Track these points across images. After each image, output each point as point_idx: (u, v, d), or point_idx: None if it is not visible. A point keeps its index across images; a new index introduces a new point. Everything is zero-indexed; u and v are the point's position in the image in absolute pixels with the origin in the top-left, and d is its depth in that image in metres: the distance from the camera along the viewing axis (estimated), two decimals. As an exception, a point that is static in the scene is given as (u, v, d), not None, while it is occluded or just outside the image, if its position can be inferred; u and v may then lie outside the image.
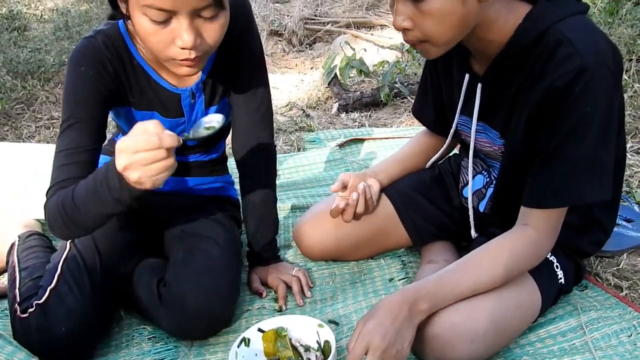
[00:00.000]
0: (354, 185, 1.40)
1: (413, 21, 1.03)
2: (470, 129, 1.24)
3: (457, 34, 1.06)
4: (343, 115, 2.82)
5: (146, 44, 1.08)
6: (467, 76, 1.21)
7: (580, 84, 0.98)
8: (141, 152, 0.90)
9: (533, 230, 1.10)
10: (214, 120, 1.04)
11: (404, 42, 1.08)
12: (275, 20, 4.55)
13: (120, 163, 0.92)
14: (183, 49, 1.03)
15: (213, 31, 1.05)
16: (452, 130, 1.33)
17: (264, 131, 1.41)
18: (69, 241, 1.30)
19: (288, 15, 4.68)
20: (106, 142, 1.53)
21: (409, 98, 2.85)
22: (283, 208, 1.83)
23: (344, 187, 1.40)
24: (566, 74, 0.98)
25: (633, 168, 1.92)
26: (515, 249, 1.11)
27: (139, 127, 0.92)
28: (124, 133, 1.43)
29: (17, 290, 1.29)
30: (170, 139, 0.90)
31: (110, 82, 1.21)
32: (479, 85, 1.17)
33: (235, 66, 1.33)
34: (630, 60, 2.62)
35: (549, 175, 1.06)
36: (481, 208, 1.33)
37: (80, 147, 1.16)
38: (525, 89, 1.08)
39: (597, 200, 1.06)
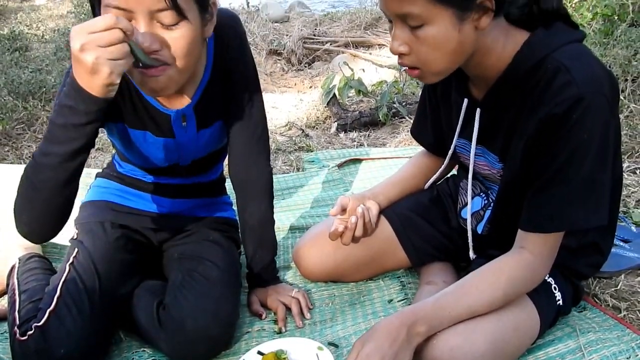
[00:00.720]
0: (353, 208, 1.41)
1: (409, 46, 1.05)
2: (469, 151, 1.25)
3: (453, 61, 1.07)
4: (342, 134, 2.84)
5: None
6: (465, 101, 1.23)
7: (577, 111, 1.00)
8: (97, 31, 0.91)
9: (530, 254, 1.11)
10: None
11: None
12: (274, 40, 4.60)
13: (75, 44, 0.91)
14: None
15: (174, 40, 1.05)
16: (450, 152, 1.34)
17: (260, 154, 1.42)
18: (69, 263, 1.31)
19: (287, 35, 4.74)
20: (106, 165, 1.55)
21: (407, 118, 2.88)
22: (282, 229, 1.84)
23: (343, 210, 1.40)
24: (564, 101, 1.00)
25: (630, 188, 1.93)
26: (512, 273, 1.11)
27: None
28: (119, 152, 1.45)
29: (16, 313, 1.29)
30: (125, 21, 0.93)
31: None
32: (478, 110, 1.19)
33: (229, 90, 1.33)
34: (626, 80, 2.65)
35: (547, 200, 1.08)
36: (479, 230, 1.34)
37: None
38: (523, 114, 1.09)
39: (594, 226, 1.07)
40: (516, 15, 1.08)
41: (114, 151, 1.54)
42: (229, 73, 1.31)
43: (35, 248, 1.61)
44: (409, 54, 1.06)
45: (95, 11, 1.09)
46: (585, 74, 1.00)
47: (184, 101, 1.29)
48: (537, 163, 1.08)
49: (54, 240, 1.71)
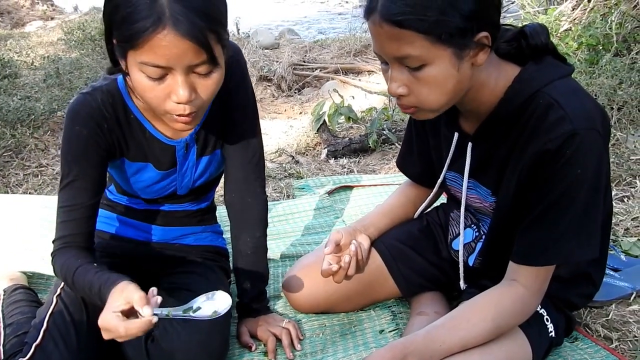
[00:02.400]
0: (346, 244, 1.40)
1: (409, 88, 1.04)
2: (459, 184, 1.26)
3: (451, 99, 1.08)
4: (332, 161, 2.85)
5: (143, 99, 1.12)
6: (456, 134, 1.23)
7: (571, 147, 1.01)
8: (120, 335, 1.06)
9: (521, 287, 1.11)
10: None
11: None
12: (264, 66, 4.63)
13: (108, 334, 1.08)
14: (178, 103, 1.06)
15: (207, 87, 1.08)
16: (438, 183, 1.35)
17: (255, 182, 1.43)
18: (55, 295, 1.29)
19: (277, 61, 4.77)
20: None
21: (396, 144, 2.89)
22: (273, 257, 1.83)
23: (337, 245, 1.40)
24: (558, 137, 1.01)
25: (618, 216, 1.94)
26: (503, 306, 1.11)
27: (120, 296, 1.08)
28: (116, 184, 1.44)
29: (1, 347, 1.26)
30: (143, 326, 1.04)
31: (105, 139, 1.23)
32: (470, 144, 1.19)
33: (229, 119, 1.35)
34: (612, 108, 2.69)
35: (539, 234, 1.08)
36: (470, 262, 1.34)
37: (78, 205, 1.23)
38: (516, 149, 1.10)
39: (586, 259, 1.08)
40: (505, 50, 1.10)
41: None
42: (230, 102, 1.33)
43: (21, 279, 1.59)
44: (408, 95, 1.05)
45: (114, 55, 1.11)
46: (578, 110, 1.02)
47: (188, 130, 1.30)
48: (530, 197, 1.09)
49: (40, 270, 1.71)
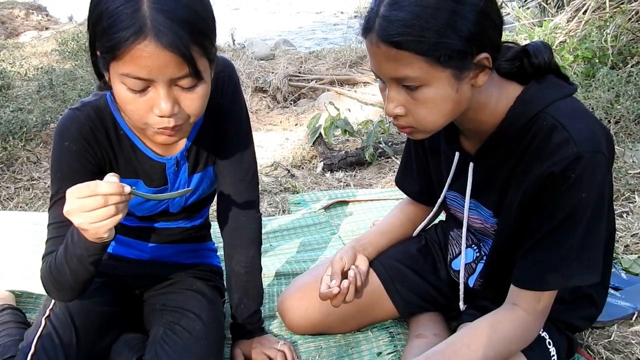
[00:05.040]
0: (348, 268, 1.37)
1: (406, 108, 1.02)
2: (459, 203, 1.23)
3: (449, 120, 1.06)
4: (328, 174, 2.82)
5: (124, 112, 1.09)
6: (457, 154, 1.21)
7: (576, 170, 0.98)
8: (81, 198, 0.96)
9: (523, 312, 1.09)
10: None
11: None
12: (259, 78, 4.61)
13: (65, 207, 0.98)
14: (161, 117, 1.03)
15: (191, 101, 1.05)
16: (438, 202, 1.32)
17: (249, 200, 1.40)
18: (44, 317, 1.26)
19: (272, 73, 4.75)
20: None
21: (393, 158, 2.87)
22: (268, 275, 1.79)
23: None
24: (562, 160, 0.99)
25: (618, 233, 1.92)
26: (504, 331, 1.08)
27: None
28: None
29: (-14, 372, 1.22)
30: (107, 186, 0.95)
31: (95, 155, 1.20)
32: (471, 164, 1.17)
33: (222, 135, 1.32)
34: (609, 122, 2.68)
35: (541, 258, 1.06)
36: (470, 283, 1.31)
37: (67, 221, 1.15)
38: (519, 171, 1.08)
39: (589, 283, 1.05)
40: (506, 69, 1.07)
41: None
42: (222, 118, 1.30)
43: (9, 299, 1.55)
44: (406, 115, 1.03)
45: (98, 68, 1.08)
46: (583, 132, 0.99)
47: (179, 147, 1.28)
48: (532, 220, 1.06)
49: (29, 289, 1.68)
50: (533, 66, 1.06)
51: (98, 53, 1.04)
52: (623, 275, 1.68)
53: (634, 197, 2.19)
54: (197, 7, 1.01)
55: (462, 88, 1.00)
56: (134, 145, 1.25)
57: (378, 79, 1.06)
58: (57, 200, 1.18)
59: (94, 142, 1.20)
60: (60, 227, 1.18)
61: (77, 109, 1.20)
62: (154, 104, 1.02)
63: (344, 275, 1.35)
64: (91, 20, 1.01)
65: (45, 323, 1.24)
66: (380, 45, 0.96)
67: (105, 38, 0.97)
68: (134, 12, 0.95)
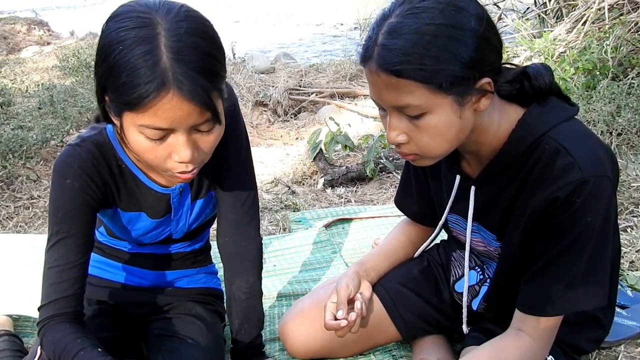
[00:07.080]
0: (352, 296, 1.34)
1: (408, 136, 1.01)
2: (461, 226, 1.22)
3: (453, 146, 1.04)
4: (329, 190, 2.81)
5: (142, 159, 1.08)
6: (458, 177, 1.19)
7: (581, 195, 0.97)
8: None
9: (528, 337, 1.07)
10: None
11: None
12: (260, 91, 4.61)
13: None
14: (180, 162, 1.03)
15: (209, 143, 1.05)
16: (440, 224, 1.30)
17: (249, 225, 1.38)
18: (39, 346, 1.23)
19: (273, 86, 4.75)
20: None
21: (394, 173, 2.86)
22: (269, 296, 1.77)
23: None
24: (566, 185, 0.97)
25: (622, 248, 1.88)
26: (509, 358, 1.06)
27: None
28: (107, 228, 1.39)
29: (-18, 403, 1.20)
30: None
31: (97, 191, 1.19)
32: (473, 187, 1.15)
33: (222, 161, 1.31)
34: (610, 134, 2.66)
35: (547, 283, 1.04)
36: (474, 306, 1.29)
37: (70, 263, 1.16)
38: (522, 195, 1.06)
39: (595, 307, 1.03)
40: (507, 91, 1.06)
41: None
42: (222, 144, 1.28)
43: (7, 324, 1.53)
44: (408, 143, 1.02)
45: (106, 113, 1.06)
46: (587, 156, 0.98)
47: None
48: (537, 245, 1.05)
49: (27, 313, 1.66)
50: (534, 88, 1.05)
51: (107, 98, 1.02)
52: (629, 292, 1.65)
53: (638, 211, 2.16)
54: (213, 52, 1.00)
55: (464, 114, 0.98)
56: (137, 179, 1.24)
57: (379, 108, 1.04)
58: (58, 241, 1.16)
59: (97, 178, 1.18)
60: (62, 272, 1.16)
61: (77, 145, 1.18)
62: (173, 150, 1.01)
63: (350, 302, 1.33)
64: (101, 71, 0.99)
65: (41, 353, 1.22)
66: (380, 74, 0.95)
67: (124, 92, 0.95)
68: (154, 64, 0.93)
